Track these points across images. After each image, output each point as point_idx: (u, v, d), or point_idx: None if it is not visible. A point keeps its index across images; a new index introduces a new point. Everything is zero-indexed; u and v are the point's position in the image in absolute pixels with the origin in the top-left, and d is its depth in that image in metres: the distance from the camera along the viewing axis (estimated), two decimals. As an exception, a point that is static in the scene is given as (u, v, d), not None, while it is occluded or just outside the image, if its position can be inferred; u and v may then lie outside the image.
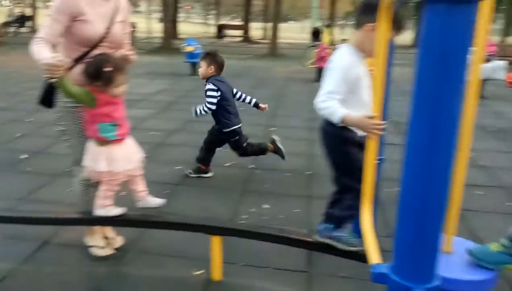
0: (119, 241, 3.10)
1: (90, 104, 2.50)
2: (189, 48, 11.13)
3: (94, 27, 2.60)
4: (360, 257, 2.47)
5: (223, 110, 4.29)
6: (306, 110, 7.69)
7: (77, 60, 2.58)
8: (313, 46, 13.97)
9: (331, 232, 2.52)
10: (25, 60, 13.74)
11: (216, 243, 2.69)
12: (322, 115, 2.37)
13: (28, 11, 29.73)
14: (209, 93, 4.19)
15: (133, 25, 19.83)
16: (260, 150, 4.52)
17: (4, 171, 4.50)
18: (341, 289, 2.75)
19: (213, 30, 34.43)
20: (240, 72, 12.71)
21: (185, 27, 36.46)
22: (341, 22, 44.23)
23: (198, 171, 4.48)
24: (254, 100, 4.71)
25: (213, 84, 4.20)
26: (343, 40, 14.71)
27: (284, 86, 10.39)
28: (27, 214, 3.06)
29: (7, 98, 8.07)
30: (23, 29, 27.28)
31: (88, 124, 2.57)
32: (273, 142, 4.54)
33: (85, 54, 2.61)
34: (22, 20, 27.71)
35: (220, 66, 4.33)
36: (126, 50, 2.75)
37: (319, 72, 10.84)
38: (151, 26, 20.37)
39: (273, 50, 17.59)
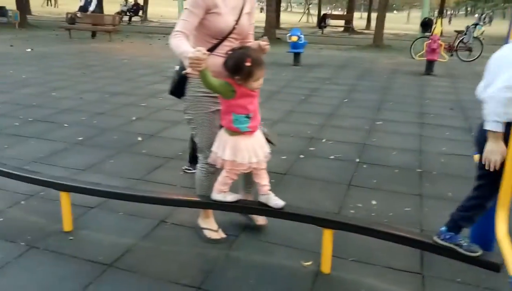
0: (260, 220, 3.21)
1: (229, 96, 2.54)
2: (294, 38, 11.13)
3: (226, 19, 2.68)
4: (486, 264, 2.34)
5: None
6: (416, 105, 7.39)
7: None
8: (423, 37, 13.35)
9: (454, 236, 2.41)
10: (138, 48, 14.63)
11: (327, 236, 2.67)
12: (486, 108, 2.22)
13: (140, 1, 31.43)
14: None
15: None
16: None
17: (123, 151, 4.81)
18: (458, 296, 2.61)
19: (314, 20, 34.17)
20: (344, 63, 12.49)
21: (285, 17, 36.60)
22: (450, 12, 41.94)
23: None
24: None
25: None
26: (457, 32, 13.85)
27: (390, 78, 10.03)
28: (149, 193, 3.22)
29: (123, 83, 8.61)
30: (135, 18, 28.90)
31: (223, 114, 2.63)
32: None
33: (215, 46, 2.69)
34: (135, 9, 29.33)
35: None
36: (262, 41, 2.76)
37: (429, 65, 10.34)
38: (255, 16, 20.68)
39: (378, 41, 17.02)
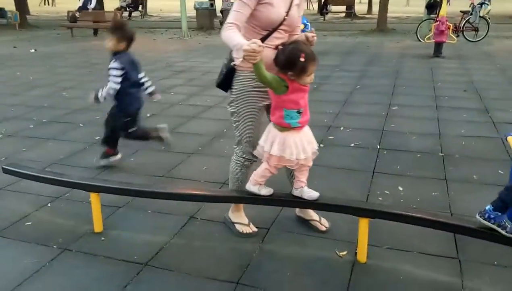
0: (324, 223, 3.13)
1: (281, 91, 2.49)
2: (301, 26, 11.02)
3: (277, 10, 2.62)
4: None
5: (125, 91, 3.98)
6: (428, 88, 7.35)
7: None
8: (428, 19, 13.24)
9: (499, 216, 2.39)
10: (142, 43, 14.53)
11: (364, 225, 2.66)
12: None
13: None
14: (114, 72, 3.89)
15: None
16: (144, 135, 4.26)
17: (142, 149, 4.77)
18: (497, 278, 2.59)
19: (314, 6, 33.97)
20: (351, 49, 12.40)
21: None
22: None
23: (104, 155, 4.32)
24: (151, 88, 4.27)
25: (120, 62, 3.90)
26: (462, 12, 13.72)
27: (399, 62, 9.95)
28: (183, 190, 3.19)
29: (132, 80, 8.55)
30: (135, 13, 28.72)
31: (273, 109, 2.59)
32: (157, 130, 4.25)
33: (265, 37, 2.63)
34: (134, 4, 29.12)
35: (131, 41, 4.01)
36: (308, 33, 2.72)
37: (438, 47, 10.26)
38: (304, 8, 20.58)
39: (382, 25, 16.89)
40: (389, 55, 11.15)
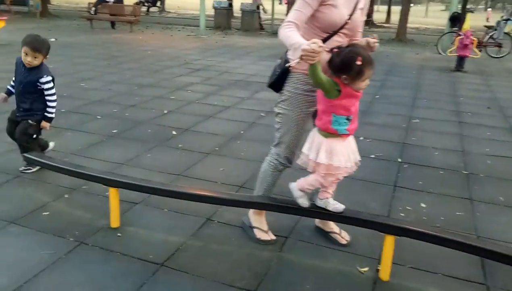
0: (345, 236, 3.05)
1: (333, 95, 2.38)
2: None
3: (341, 12, 2.51)
4: None
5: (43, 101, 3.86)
6: (451, 103, 7.21)
7: None
8: (451, 32, 13.08)
9: None
10: (160, 39, 14.56)
11: (390, 242, 2.57)
12: None
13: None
14: (51, 85, 3.81)
15: (263, 9, 20.01)
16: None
17: (159, 145, 4.74)
18: (525, 308, 2.50)
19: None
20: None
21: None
22: (467, 7, 41.41)
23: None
24: None
25: (49, 74, 3.80)
26: (487, 27, 13.52)
27: (419, 74, 9.80)
28: (206, 192, 3.09)
29: (150, 75, 8.52)
30: (153, 9, 28.82)
31: (321, 113, 2.48)
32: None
33: (324, 40, 2.51)
34: (153, 0, 29.22)
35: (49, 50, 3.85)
36: (371, 38, 2.59)
37: (460, 61, 10.11)
38: (275, 8, 20.51)
39: (402, 35, 16.74)
40: (409, 66, 11.01)
